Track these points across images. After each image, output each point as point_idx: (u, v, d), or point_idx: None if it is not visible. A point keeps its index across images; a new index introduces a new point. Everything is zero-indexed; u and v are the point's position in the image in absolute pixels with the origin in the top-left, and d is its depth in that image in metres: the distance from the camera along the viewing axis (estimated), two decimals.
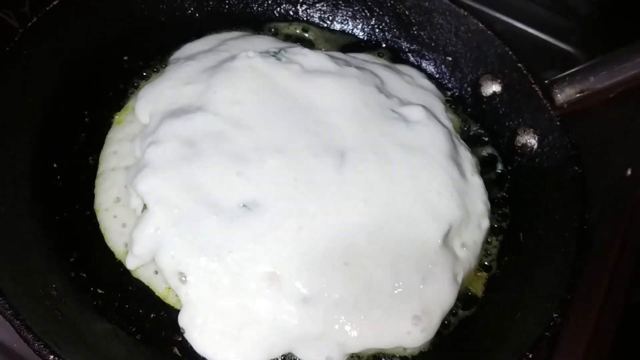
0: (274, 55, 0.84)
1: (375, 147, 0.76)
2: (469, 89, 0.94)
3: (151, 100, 0.82)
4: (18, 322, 0.58)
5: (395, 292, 0.69)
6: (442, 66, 0.97)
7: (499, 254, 0.80)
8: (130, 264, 0.71)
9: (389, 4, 0.97)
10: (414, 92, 0.89)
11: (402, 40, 0.99)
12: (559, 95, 0.79)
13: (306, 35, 0.99)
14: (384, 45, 0.99)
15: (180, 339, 0.68)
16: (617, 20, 1.19)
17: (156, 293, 0.71)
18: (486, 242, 0.80)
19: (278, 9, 1.00)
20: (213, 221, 0.69)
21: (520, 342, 0.66)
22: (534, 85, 0.82)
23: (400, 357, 0.71)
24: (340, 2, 1.00)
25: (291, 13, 1.01)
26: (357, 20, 1.00)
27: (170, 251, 0.68)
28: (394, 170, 0.75)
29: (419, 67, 0.97)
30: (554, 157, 0.80)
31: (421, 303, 0.70)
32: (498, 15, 1.17)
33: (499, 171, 0.87)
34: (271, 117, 0.77)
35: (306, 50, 0.86)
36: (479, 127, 0.92)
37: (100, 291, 0.71)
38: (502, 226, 0.82)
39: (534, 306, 0.70)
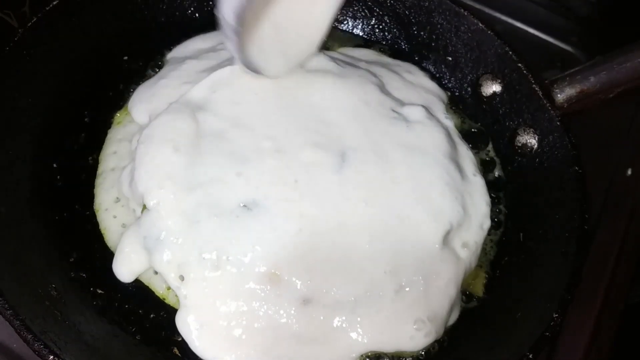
0: None
1: (376, 147, 0.76)
2: (469, 89, 0.94)
3: (147, 100, 0.82)
4: (18, 322, 0.58)
5: (397, 294, 0.69)
6: (442, 66, 0.96)
7: (498, 254, 0.80)
8: (124, 276, 0.71)
9: (388, 4, 0.97)
10: (415, 92, 0.89)
11: (402, 40, 0.99)
12: (559, 95, 0.79)
13: None
14: (383, 43, 0.99)
15: (180, 339, 0.68)
16: (616, 21, 1.19)
17: (156, 293, 0.71)
18: (486, 242, 0.80)
19: None
20: (213, 221, 0.68)
21: (520, 342, 0.66)
22: (534, 85, 0.82)
23: (398, 357, 0.71)
24: None
25: None
26: (357, 20, 1.00)
27: (170, 252, 0.68)
28: (394, 170, 0.75)
29: (419, 66, 0.97)
30: (554, 157, 0.80)
31: (423, 305, 0.70)
32: (498, 15, 1.18)
33: (499, 171, 0.87)
34: (271, 117, 0.77)
35: None
36: (479, 127, 0.92)
37: (100, 291, 0.71)
38: (502, 226, 0.82)
39: (534, 306, 0.70)
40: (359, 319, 0.68)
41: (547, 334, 0.64)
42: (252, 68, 0.76)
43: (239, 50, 0.72)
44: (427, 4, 0.93)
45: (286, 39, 0.77)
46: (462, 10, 0.91)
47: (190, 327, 0.67)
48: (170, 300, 0.71)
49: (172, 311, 0.69)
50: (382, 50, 0.98)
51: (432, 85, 0.93)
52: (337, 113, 0.78)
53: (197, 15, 0.97)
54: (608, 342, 0.83)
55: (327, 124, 0.77)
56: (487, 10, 1.16)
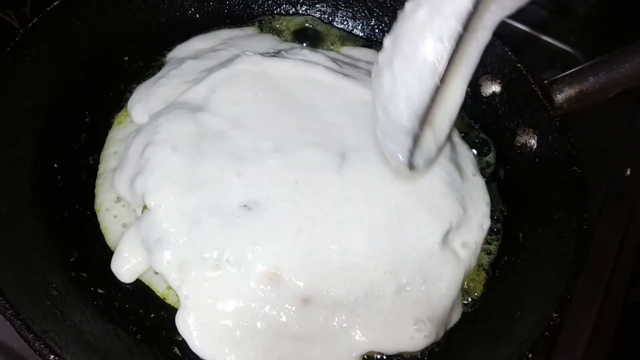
0: (274, 56, 0.84)
1: (376, 147, 0.76)
2: (468, 89, 0.93)
3: (146, 99, 0.82)
4: (18, 321, 0.58)
5: (397, 295, 0.69)
6: None
7: (498, 254, 0.80)
8: (125, 277, 0.71)
9: (388, 5, 0.97)
10: None
11: None
12: (558, 96, 0.79)
13: (316, 30, 0.99)
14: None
15: (180, 338, 0.68)
16: (616, 21, 1.19)
17: (156, 293, 0.71)
18: (486, 242, 0.80)
19: (278, 9, 1.01)
20: (213, 222, 0.69)
21: (519, 342, 0.66)
22: (533, 86, 0.82)
23: (397, 356, 0.71)
24: (340, 3, 1.00)
25: (291, 13, 1.01)
26: (357, 21, 1.00)
27: (170, 252, 0.68)
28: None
29: None
30: (554, 157, 0.80)
31: (423, 306, 0.70)
32: None
33: (499, 171, 0.88)
34: (271, 117, 0.77)
35: (306, 51, 0.86)
36: (479, 127, 0.92)
37: (100, 291, 0.71)
38: (502, 226, 0.83)
39: (534, 306, 0.70)
40: (358, 319, 0.68)
41: (546, 333, 0.64)
42: (409, 167, 0.65)
43: (407, 153, 0.61)
44: None
45: (436, 129, 0.68)
46: None
47: (190, 327, 0.67)
48: (170, 300, 0.71)
49: (172, 311, 0.69)
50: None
51: None
52: (337, 113, 0.79)
53: (197, 15, 0.97)
54: (607, 341, 0.83)
55: (327, 124, 0.77)
56: None
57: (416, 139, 0.59)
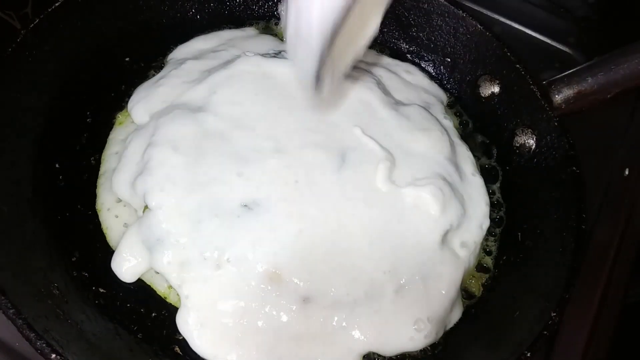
0: (274, 57, 0.84)
1: (376, 148, 0.77)
2: (467, 89, 0.94)
3: (147, 100, 0.82)
4: (20, 321, 0.58)
5: (396, 294, 0.69)
6: (441, 67, 0.97)
7: (497, 254, 0.81)
8: (126, 276, 0.71)
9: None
10: (414, 92, 0.89)
11: (402, 41, 0.99)
12: (557, 96, 0.79)
13: None
14: (383, 44, 1.00)
15: (181, 337, 0.68)
16: (614, 22, 1.20)
17: (157, 292, 0.72)
18: (485, 241, 0.80)
19: (278, 10, 1.01)
20: (214, 221, 0.69)
21: (518, 341, 0.66)
22: (532, 86, 0.83)
23: (397, 356, 0.71)
24: None
25: None
26: None
27: (171, 252, 0.68)
28: (394, 170, 0.75)
29: (419, 67, 0.98)
30: (552, 157, 0.80)
31: (423, 305, 0.70)
32: (496, 16, 1.18)
33: (498, 171, 0.88)
34: (271, 117, 0.77)
35: None
36: (478, 127, 0.92)
37: (102, 290, 0.71)
38: (501, 226, 0.83)
39: (532, 305, 0.71)
40: (358, 319, 0.68)
41: (545, 332, 0.64)
42: (315, 90, 0.67)
43: (313, 77, 0.62)
44: (426, 5, 0.94)
45: (338, 57, 0.67)
46: (461, 12, 0.91)
47: (191, 326, 0.67)
48: (171, 299, 0.71)
49: (173, 310, 0.70)
50: (381, 51, 0.98)
51: (431, 85, 0.94)
52: (337, 113, 0.79)
53: (198, 16, 0.97)
54: (606, 341, 0.83)
55: (327, 125, 0.77)
56: (485, 11, 1.17)
57: (322, 62, 0.58)
